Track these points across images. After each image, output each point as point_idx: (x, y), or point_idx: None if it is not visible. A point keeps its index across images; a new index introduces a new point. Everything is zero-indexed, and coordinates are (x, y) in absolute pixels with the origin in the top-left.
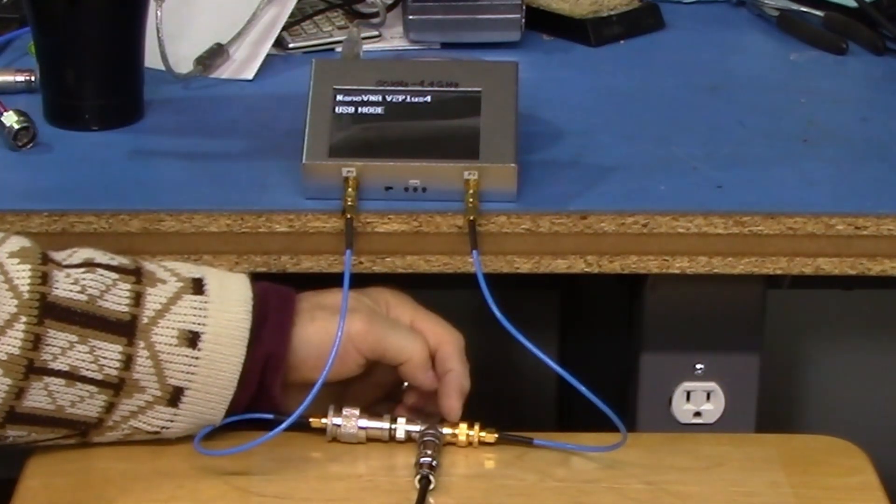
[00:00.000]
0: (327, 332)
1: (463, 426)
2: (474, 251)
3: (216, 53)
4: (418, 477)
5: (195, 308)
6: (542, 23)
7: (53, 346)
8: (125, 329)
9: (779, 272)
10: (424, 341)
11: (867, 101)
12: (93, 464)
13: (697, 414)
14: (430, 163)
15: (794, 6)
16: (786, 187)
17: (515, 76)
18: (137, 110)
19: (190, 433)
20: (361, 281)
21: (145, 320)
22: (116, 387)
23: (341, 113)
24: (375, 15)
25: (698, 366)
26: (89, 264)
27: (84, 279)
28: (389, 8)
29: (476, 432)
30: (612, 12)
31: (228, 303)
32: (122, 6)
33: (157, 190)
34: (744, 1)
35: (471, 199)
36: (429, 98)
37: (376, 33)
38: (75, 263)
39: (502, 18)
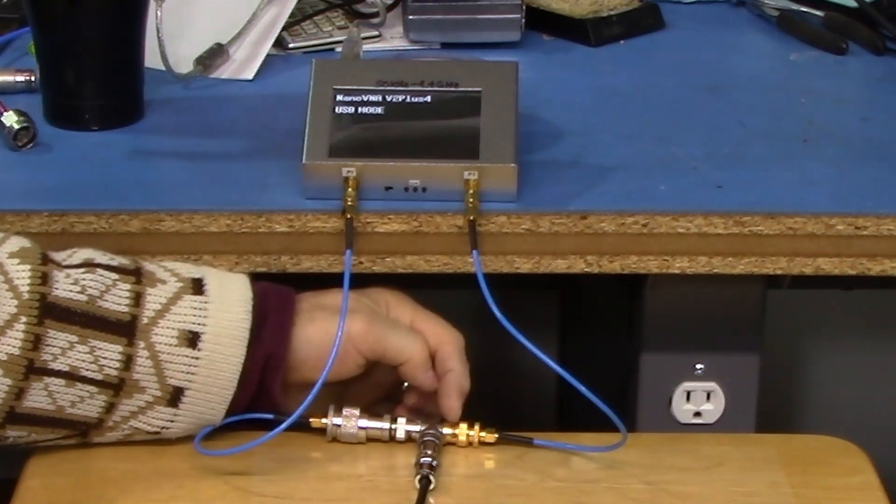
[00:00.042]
0: (327, 332)
1: (463, 426)
2: (474, 251)
3: (216, 53)
4: (418, 477)
5: (195, 308)
6: (542, 23)
7: (53, 346)
8: (125, 329)
9: (779, 272)
10: (424, 341)
11: (867, 101)
12: (93, 464)
13: (697, 414)
14: (430, 163)
15: (794, 6)
16: (786, 187)
17: (515, 76)
18: (137, 110)
19: (190, 433)
20: (361, 281)
21: (145, 320)
22: (116, 387)
23: (341, 113)
24: (375, 15)
25: (698, 366)
26: (89, 264)
27: (84, 279)
28: (389, 8)
29: (476, 432)
30: (612, 12)
31: (228, 303)
32: (122, 6)
33: (157, 190)
34: (744, 1)
35: (471, 199)
36: (429, 98)
37: (376, 33)
38: (75, 264)
39: (502, 18)
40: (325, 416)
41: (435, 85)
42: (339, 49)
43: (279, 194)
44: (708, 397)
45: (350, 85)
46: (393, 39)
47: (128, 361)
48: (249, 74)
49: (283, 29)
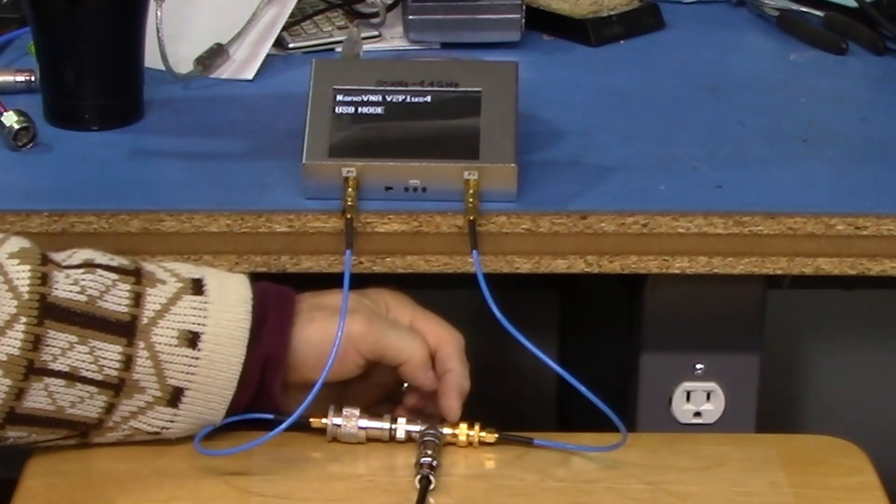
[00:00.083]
0: (327, 332)
1: (463, 426)
2: (474, 251)
3: (216, 53)
4: (418, 477)
5: (195, 308)
6: (542, 23)
7: (53, 346)
8: (125, 329)
9: (779, 272)
10: (424, 342)
11: (867, 101)
12: (93, 464)
13: (697, 414)
14: (430, 163)
15: (794, 6)
16: (786, 187)
17: (515, 76)
18: (137, 110)
19: (190, 433)
20: (361, 281)
21: (145, 321)
22: (116, 387)
23: (341, 113)
24: (375, 15)
25: (698, 366)
26: (89, 265)
27: (84, 280)
28: (389, 8)
29: (476, 432)
30: (612, 12)
31: (228, 303)
32: (122, 6)
33: (157, 190)
34: (744, 1)
35: (471, 199)
36: (429, 98)
37: (376, 33)
38: (75, 264)
39: (502, 18)
40: (325, 416)
41: (435, 85)
42: (339, 49)
43: (279, 194)
44: (708, 397)
45: (350, 85)
46: (393, 39)
47: (128, 362)
48: (249, 74)
49: (283, 29)
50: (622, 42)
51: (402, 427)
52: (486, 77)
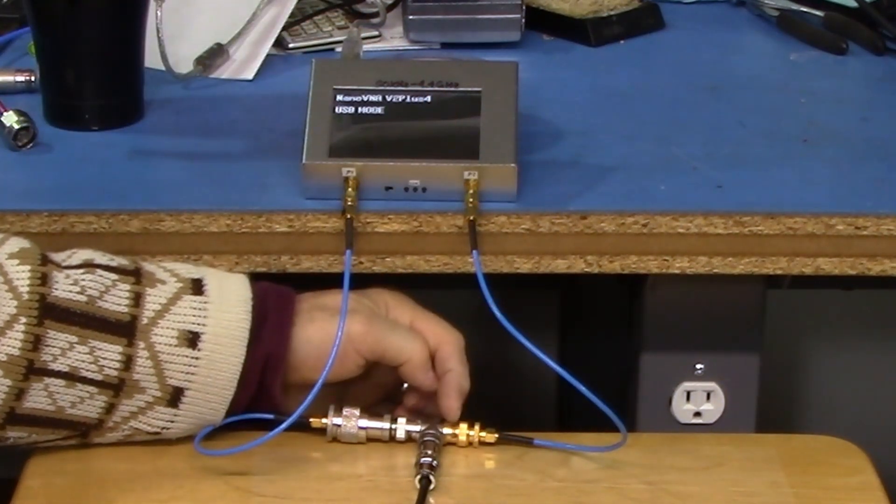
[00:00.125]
0: (327, 332)
1: (463, 426)
2: (474, 251)
3: (216, 53)
4: (418, 477)
5: (195, 308)
6: (542, 23)
7: (53, 346)
8: (125, 330)
9: (779, 272)
10: (424, 342)
11: (867, 101)
12: (93, 464)
13: (697, 414)
14: (430, 163)
15: (794, 6)
16: (786, 187)
17: (515, 76)
18: (137, 110)
19: (190, 433)
20: (361, 281)
21: (145, 321)
22: (116, 387)
23: (341, 113)
24: (375, 15)
25: (698, 366)
26: (89, 265)
27: (83, 280)
28: (389, 8)
29: (476, 432)
30: (612, 12)
31: (228, 303)
32: (122, 6)
33: (157, 190)
34: (744, 1)
35: (471, 199)
36: (429, 98)
37: (376, 33)
38: (75, 264)
39: (502, 18)
40: (326, 416)
41: (435, 85)
42: (339, 49)
43: (279, 194)
44: (708, 397)
45: (350, 85)
46: (393, 39)
47: (128, 362)
48: (249, 74)
49: (283, 29)
50: (622, 42)
51: (402, 427)
52: (486, 77)
